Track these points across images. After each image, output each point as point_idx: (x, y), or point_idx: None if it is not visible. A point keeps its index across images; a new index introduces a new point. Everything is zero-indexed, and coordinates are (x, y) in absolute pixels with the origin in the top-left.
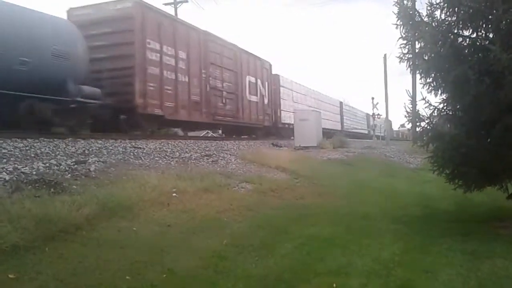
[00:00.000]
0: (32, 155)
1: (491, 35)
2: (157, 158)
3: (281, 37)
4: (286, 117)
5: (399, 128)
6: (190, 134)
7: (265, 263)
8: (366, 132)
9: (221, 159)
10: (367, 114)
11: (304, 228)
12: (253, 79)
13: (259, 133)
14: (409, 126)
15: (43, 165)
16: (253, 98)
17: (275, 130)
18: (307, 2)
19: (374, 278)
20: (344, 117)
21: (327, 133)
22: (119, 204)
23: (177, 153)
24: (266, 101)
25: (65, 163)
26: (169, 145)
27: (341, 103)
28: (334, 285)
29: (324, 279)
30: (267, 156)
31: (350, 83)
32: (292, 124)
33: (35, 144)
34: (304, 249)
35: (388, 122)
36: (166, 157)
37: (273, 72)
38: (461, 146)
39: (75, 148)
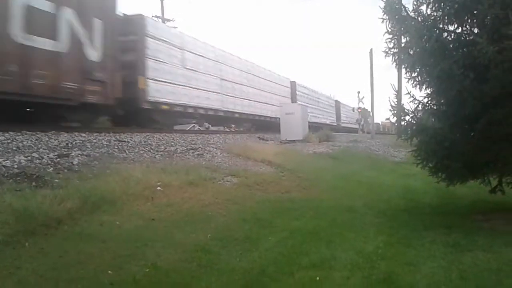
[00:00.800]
0: (14, 148)
1: (476, 30)
2: (141, 152)
3: (269, 32)
4: (164, 93)
5: (381, 122)
6: (176, 127)
7: (249, 256)
8: (335, 124)
9: (207, 153)
10: (337, 102)
11: (288, 221)
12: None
13: (74, 116)
14: (394, 120)
15: (25, 158)
16: (40, 42)
17: (132, 114)
18: None
19: (357, 271)
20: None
21: (265, 124)
22: (102, 198)
23: (162, 147)
24: (93, 54)
25: (48, 156)
26: (154, 138)
27: (293, 83)
28: (317, 278)
29: (308, 272)
30: (253, 149)
31: (339, 79)
32: (182, 107)
33: (17, 137)
34: (288, 243)
35: (366, 112)
36: (151, 150)
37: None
38: (444, 140)
39: (58, 141)
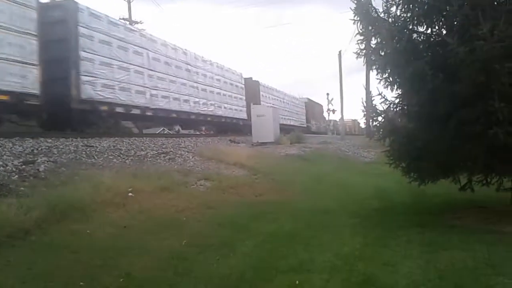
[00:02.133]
0: None
1: (444, 31)
2: (111, 157)
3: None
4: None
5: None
6: (145, 131)
7: (227, 262)
8: (304, 126)
9: (179, 157)
10: (309, 102)
11: (264, 225)
12: None
13: None
14: (363, 120)
15: None
16: None
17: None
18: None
19: (336, 274)
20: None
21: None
22: (71, 206)
23: (133, 151)
24: None
25: (12, 163)
26: (124, 143)
27: (255, 82)
28: (297, 282)
29: (287, 276)
30: (225, 152)
31: (309, 82)
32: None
33: None
34: (266, 247)
35: (318, 106)
36: (121, 155)
37: None
38: (416, 140)
39: (23, 148)
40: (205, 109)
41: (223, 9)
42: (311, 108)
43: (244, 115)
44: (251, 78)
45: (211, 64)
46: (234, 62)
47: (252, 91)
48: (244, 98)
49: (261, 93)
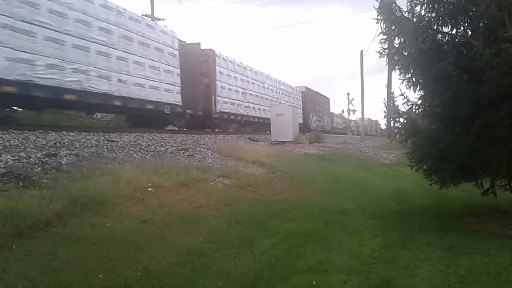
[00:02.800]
0: (0, 147)
1: (469, 32)
2: (131, 152)
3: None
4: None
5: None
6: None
7: (244, 260)
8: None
9: (198, 153)
10: (307, 92)
11: (282, 223)
12: None
13: None
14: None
15: (12, 157)
16: None
17: None
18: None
19: (354, 275)
20: (218, 84)
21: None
22: (92, 199)
23: (153, 147)
24: None
25: (35, 156)
26: (144, 138)
27: (210, 52)
28: (314, 282)
29: (304, 276)
30: (244, 150)
31: (330, 81)
32: None
33: (3, 136)
34: (283, 246)
35: (322, 98)
36: (141, 150)
37: None
38: (439, 142)
39: (46, 141)
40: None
41: (243, 7)
42: (312, 99)
43: (178, 99)
44: (198, 44)
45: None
46: (253, 59)
47: (204, 65)
48: (177, 71)
49: (217, 68)
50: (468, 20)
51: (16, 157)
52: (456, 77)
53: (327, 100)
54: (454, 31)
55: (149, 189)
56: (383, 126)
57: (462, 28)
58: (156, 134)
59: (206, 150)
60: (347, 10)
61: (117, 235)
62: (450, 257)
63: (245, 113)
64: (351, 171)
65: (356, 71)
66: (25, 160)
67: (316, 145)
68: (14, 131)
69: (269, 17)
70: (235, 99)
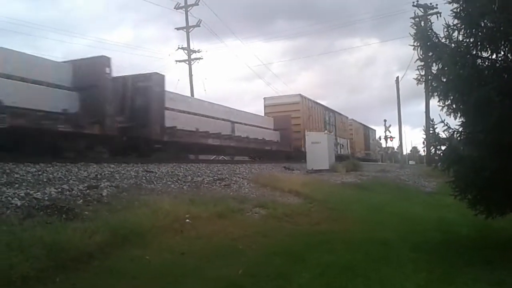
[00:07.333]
0: (44, 180)
1: (511, 57)
2: (169, 183)
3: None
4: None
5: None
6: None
7: None
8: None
9: (234, 183)
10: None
11: (321, 255)
12: None
13: None
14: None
15: (55, 190)
16: None
17: None
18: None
19: None
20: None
21: None
22: (132, 231)
23: (189, 177)
24: None
25: (77, 188)
26: (181, 168)
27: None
28: None
29: None
30: (280, 179)
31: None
32: None
33: (47, 169)
34: (323, 279)
35: (330, 137)
36: (178, 181)
37: None
38: (484, 169)
39: (87, 173)
40: None
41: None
42: (356, 129)
43: None
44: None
45: None
46: (291, 87)
47: None
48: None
49: None
50: (509, 45)
51: (59, 189)
52: (499, 103)
53: (344, 118)
54: (494, 56)
55: (187, 220)
56: (421, 153)
57: (502, 53)
58: (193, 164)
59: (242, 179)
60: (374, 40)
61: (156, 267)
62: None
63: None
64: (390, 201)
65: (389, 98)
66: (67, 192)
67: (353, 173)
68: (57, 164)
69: (299, 49)
70: None
